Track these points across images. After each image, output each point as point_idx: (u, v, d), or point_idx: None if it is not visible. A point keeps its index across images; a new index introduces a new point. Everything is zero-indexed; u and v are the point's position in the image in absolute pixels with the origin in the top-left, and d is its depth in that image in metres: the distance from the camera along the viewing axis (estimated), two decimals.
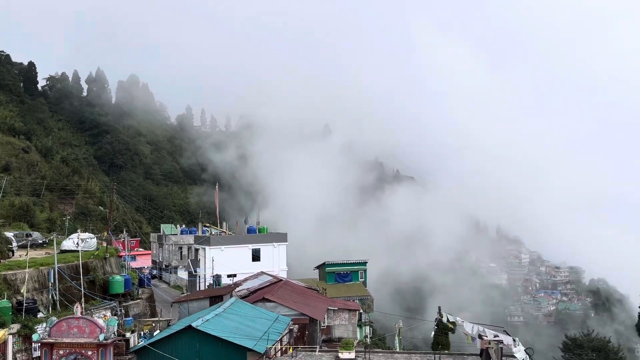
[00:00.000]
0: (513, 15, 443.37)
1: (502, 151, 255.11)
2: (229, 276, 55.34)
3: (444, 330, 44.07)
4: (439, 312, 36.89)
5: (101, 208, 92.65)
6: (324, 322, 41.53)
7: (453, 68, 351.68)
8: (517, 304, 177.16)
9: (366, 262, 66.90)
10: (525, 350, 25.98)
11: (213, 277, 54.78)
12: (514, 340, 24.46)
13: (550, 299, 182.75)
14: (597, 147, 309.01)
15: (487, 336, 24.73)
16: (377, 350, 36.32)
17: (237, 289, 44.25)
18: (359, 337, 47.54)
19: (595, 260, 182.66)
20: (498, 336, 24.54)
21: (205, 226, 72.57)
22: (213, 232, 67.72)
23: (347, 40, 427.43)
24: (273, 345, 28.21)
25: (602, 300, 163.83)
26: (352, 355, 28.42)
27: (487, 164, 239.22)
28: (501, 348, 23.89)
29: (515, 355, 25.68)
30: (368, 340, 51.87)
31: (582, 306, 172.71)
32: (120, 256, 48.56)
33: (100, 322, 26.46)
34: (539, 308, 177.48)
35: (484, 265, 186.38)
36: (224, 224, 74.19)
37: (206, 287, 55.28)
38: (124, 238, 54.69)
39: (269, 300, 37.25)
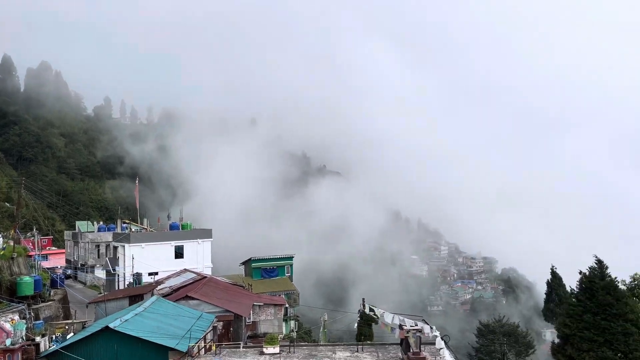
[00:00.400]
0: (433, 17, 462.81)
1: (424, 147, 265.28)
2: (150, 274, 53.50)
3: (367, 321, 45.30)
4: (362, 304, 37.82)
5: (7, 205, 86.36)
6: (249, 318, 41.23)
7: (377, 65, 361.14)
8: (436, 294, 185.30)
9: (292, 257, 67.20)
10: (442, 337, 27.24)
11: (133, 275, 52.71)
12: (432, 328, 25.55)
13: (467, 288, 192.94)
14: (509, 144, 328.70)
15: (406, 326, 25.66)
16: (302, 344, 36.67)
17: (159, 287, 42.89)
18: (284, 331, 47.69)
19: (507, 251, 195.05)
20: (416, 325, 25.54)
21: (124, 222, 69.58)
22: (133, 229, 65.08)
23: (274, 35, 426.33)
24: (196, 343, 27.63)
25: (513, 287, 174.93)
26: (277, 350, 28.49)
27: (409, 160, 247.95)
28: (419, 337, 24.88)
29: (433, 342, 26.89)
30: (294, 334, 52.21)
31: (494, 294, 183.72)
32: (30, 256, 45.59)
33: (7, 326, 24.70)
34: (457, 297, 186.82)
35: (405, 256, 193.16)
36: (145, 220, 71.53)
37: (125, 286, 53.11)
38: (34, 236, 51.35)
39: (193, 298, 36.47)
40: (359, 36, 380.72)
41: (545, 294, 79.75)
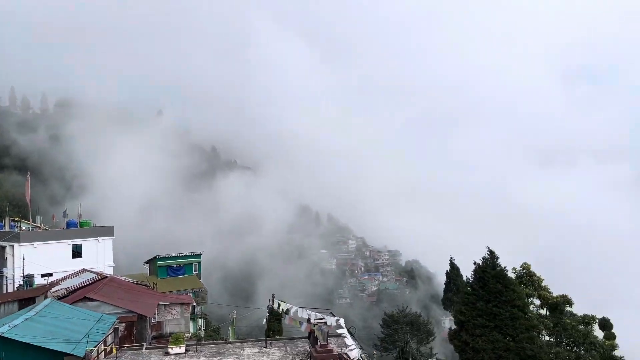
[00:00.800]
0: (345, 17, 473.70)
1: (334, 143, 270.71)
2: (43, 276, 49.74)
3: (276, 317, 45.46)
4: (272, 299, 37.87)
5: None
6: (154, 318, 39.74)
7: (289, 61, 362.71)
8: (344, 287, 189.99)
9: (200, 255, 65.62)
10: (348, 329, 28.03)
11: (23, 277, 48.70)
12: (338, 320, 26.20)
13: (373, 280, 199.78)
14: (414, 141, 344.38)
15: (312, 319, 26.12)
16: (210, 342, 36.03)
17: (54, 289, 40.02)
18: (191, 330, 46.58)
19: (410, 244, 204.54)
20: (323, 318, 26.07)
21: (13, 220, 64.01)
22: (23, 227, 60.09)
23: (185, 27, 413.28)
24: (95, 347, 26.17)
25: (415, 279, 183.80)
26: (183, 349, 27.79)
27: (321, 155, 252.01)
28: (326, 329, 25.43)
29: (340, 334, 27.59)
30: (202, 333, 51.21)
31: (399, 285, 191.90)
32: None
33: None
34: (363, 289, 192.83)
35: (315, 250, 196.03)
36: (38, 217, 66.31)
37: (15, 289, 48.97)
38: None
39: (92, 299, 34.47)
40: (271, 31, 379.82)
41: (445, 284, 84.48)
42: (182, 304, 43.53)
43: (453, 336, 45.61)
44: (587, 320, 49.01)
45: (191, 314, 46.84)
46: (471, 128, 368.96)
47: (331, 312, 30.69)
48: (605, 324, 49.66)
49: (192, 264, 63.84)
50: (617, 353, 47.40)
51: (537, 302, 50.92)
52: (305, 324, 26.70)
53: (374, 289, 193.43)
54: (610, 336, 48.91)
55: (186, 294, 53.40)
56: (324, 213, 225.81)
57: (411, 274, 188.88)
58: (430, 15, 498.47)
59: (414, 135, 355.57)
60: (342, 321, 26.44)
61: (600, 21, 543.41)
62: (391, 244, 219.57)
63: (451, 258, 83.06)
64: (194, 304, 49.45)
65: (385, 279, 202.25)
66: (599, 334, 49.09)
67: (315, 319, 25.89)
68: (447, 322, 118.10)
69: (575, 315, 49.94)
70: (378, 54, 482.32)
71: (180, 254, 64.56)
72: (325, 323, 25.43)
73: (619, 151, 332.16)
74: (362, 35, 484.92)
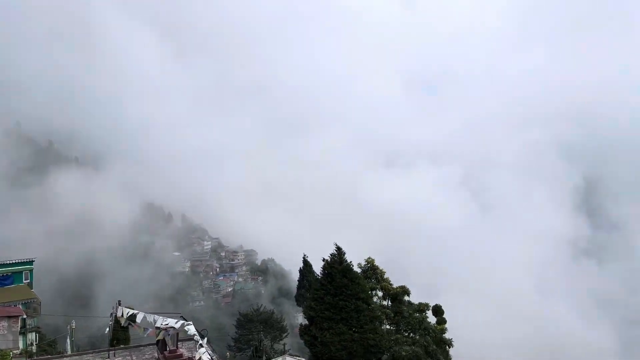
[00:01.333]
0: (202, 14, 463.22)
1: (188, 143, 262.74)
2: None
3: (122, 325, 42.76)
4: (116, 307, 35.59)
5: None
6: None
7: (137, 54, 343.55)
8: (198, 289, 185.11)
9: (32, 261, 58.85)
10: (199, 332, 27.50)
11: None
12: (188, 324, 25.59)
13: (229, 281, 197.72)
14: (266, 142, 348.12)
15: (159, 324, 25.19)
16: (43, 357, 32.85)
17: None
18: (21, 346, 41.83)
19: (266, 243, 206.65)
20: (169, 322, 25.26)
21: None
22: None
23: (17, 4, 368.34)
24: None
25: (270, 277, 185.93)
26: None
27: (175, 155, 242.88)
28: (174, 335, 24.70)
29: (192, 337, 26.98)
30: (34, 348, 46.33)
31: (254, 284, 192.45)
32: None
33: None
34: (219, 291, 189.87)
35: (167, 253, 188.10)
36: None
37: None
38: None
39: None
40: (119, 19, 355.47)
41: (298, 280, 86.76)
42: (9, 317, 39.13)
43: (303, 331, 46.98)
44: (422, 307, 54.09)
45: (21, 327, 42.19)
46: (324, 131, 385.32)
47: (181, 316, 29.81)
48: (438, 310, 55.31)
49: (22, 272, 57.02)
50: (447, 335, 53.08)
51: (380, 293, 54.83)
52: (149, 330, 25.61)
53: (230, 289, 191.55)
54: (441, 321, 54.58)
55: (15, 305, 47.76)
56: (177, 213, 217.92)
57: (266, 273, 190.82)
58: (289, 21, 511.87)
59: (270, 135, 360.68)
60: (191, 325, 25.84)
61: (439, 33, 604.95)
62: (247, 243, 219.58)
63: (304, 255, 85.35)
64: (24, 316, 44.57)
65: (240, 279, 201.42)
66: (432, 319, 54.49)
67: (162, 324, 24.96)
68: (300, 318, 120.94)
69: (412, 304, 54.74)
70: (235, 56, 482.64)
71: (7, 262, 57.13)
72: (173, 327, 24.66)
73: (451, 154, 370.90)
74: (220, 35, 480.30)
